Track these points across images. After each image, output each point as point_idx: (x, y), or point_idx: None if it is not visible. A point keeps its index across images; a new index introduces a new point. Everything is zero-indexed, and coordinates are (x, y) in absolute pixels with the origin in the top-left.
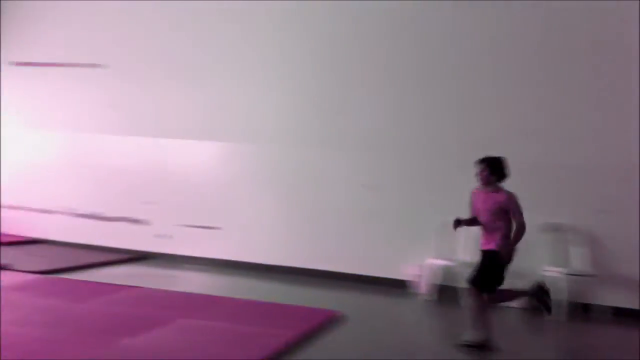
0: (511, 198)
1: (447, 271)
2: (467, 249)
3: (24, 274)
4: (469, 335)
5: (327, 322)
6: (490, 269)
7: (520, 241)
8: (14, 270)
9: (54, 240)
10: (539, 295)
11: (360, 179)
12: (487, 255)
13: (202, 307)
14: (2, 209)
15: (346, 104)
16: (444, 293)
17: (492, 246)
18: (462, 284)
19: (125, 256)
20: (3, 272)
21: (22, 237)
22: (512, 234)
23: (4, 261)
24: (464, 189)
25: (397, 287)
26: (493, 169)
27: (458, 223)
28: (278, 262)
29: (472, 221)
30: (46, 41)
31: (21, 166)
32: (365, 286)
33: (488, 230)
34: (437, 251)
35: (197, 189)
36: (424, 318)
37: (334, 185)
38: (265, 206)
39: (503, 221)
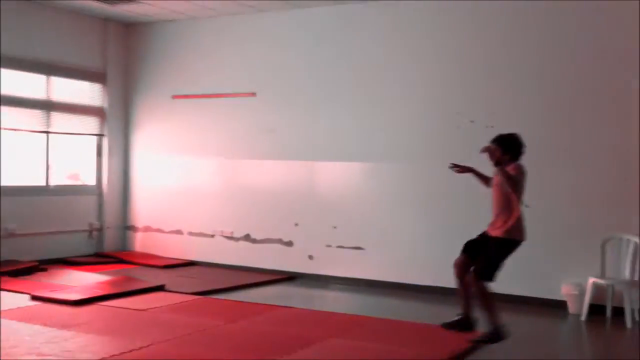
0: (516, 167)
1: (607, 290)
2: (632, 266)
3: (180, 295)
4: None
5: (478, 342)
6: (494, 256)
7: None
8: (170, 291)
9: (206, 262)
10: (493, 338)
11: None
12: (492, 242)
13: (352, 326)
14: (160, 233)
15: (493, 116)
16: (603, 313)
17: (497, 233)
18: (626, 304)
19: (274, 277)
20: (160, 294)
21: (177, 259)
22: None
23: (160, 282)
24: (628, 203)
25: (551, 307)
26: (506, 148)
27: (462, 167)
28: (422, 281)
29: (482, 177)
30: (201, 75)
31: (178, 191)
32: (515, 306)
33: (495, 212)
34: (598, 269)
35: (341, 209)
36: (578, 339)
37: (484, 202)
38: (407, 225)
39: (506, 202)
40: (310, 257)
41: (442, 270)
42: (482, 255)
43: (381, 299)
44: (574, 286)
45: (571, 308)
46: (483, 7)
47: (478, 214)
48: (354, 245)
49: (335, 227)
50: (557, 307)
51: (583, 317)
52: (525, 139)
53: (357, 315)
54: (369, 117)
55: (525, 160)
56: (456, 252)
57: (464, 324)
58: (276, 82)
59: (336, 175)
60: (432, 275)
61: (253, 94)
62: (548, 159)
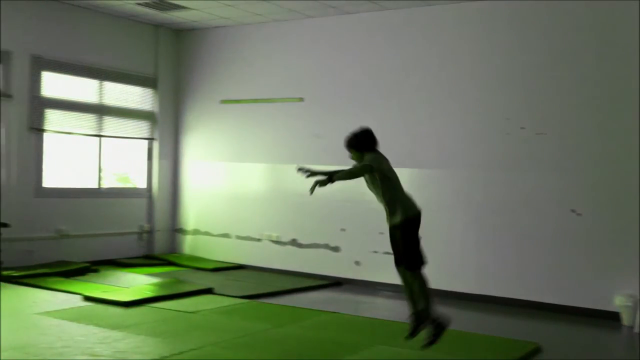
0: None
1: None
2: None
3: (228, 298)
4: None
5: (529, 355)
6: (404, 242)
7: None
8: (218, 294)
9: (253, 266)
10: (438, 330)
11: (570, 203)
12: (394, 232)
13: (399, 334)
14: (208, 236)
15: (543, 123)
16: None
17: (393, 222)
18: None
19: (321, 282)
20: (209, 296)
21: (225, 262)
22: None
23: (209, 285)
24: None
25: (604, 318)
26: (357, 146)
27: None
28: (471, 290)
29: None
30: (249, 80)
31: (226, 195)
32: (567, 317)
33: (383, 206)
34: None
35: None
36: (632, 352)
37: (538, 210)
38: (455, 232)
39: (382, 188)
40: (357, 262)
41: (493, 280)
42: (397, 249)
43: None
44: (628, 297)
45: (625, 320)
46: (537, 10)
47: (542, 224)
48: None
49: (382, 233)
50: (610, 318)
51: (636, 329)
52: (578, 145)
53: (404, 323)
54: (417, 123)
55: (577, 166)
56: (507, 261)
57: (419, 319)
58: (324, 87)
59: None
60: (483, 284)
61: (301, 99)
62: (600, 165)
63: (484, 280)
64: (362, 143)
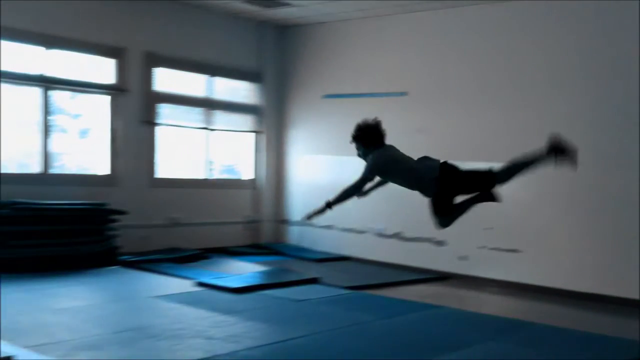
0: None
1: None
2: None
3: (334, 288)
4: None
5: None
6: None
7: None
8: (324, 284)
9: (356, 258)
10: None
11: None
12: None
13: (508, 330)
14: (312, 227)
15: None
16: None
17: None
18: None
19: (425, 275)
20: (314, 286)
21: (329, 253)
22: None
23: (314, 275)
24: None
25: None
26: (365, 142)
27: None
28: (583, 288)
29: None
30: (352, 74)
31: (329, 187)
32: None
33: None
34: None
35: (496, 210)
36: None
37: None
38: (568, 228)
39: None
40: (463, 257)
41: (608, 278)
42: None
43: (537, 304)
44: None
45: None
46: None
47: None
48: (509, 247)
49: (489, 228)
50: None
51: None
52: None
53: (513, 319)
54: (524, 117)
55: None
56: (626, 259)
57: None
58: (428, 81)
59: None
60: (595, 282)
61: (404, 93)
62: None
63: (597, 279)
64: (367, 138)
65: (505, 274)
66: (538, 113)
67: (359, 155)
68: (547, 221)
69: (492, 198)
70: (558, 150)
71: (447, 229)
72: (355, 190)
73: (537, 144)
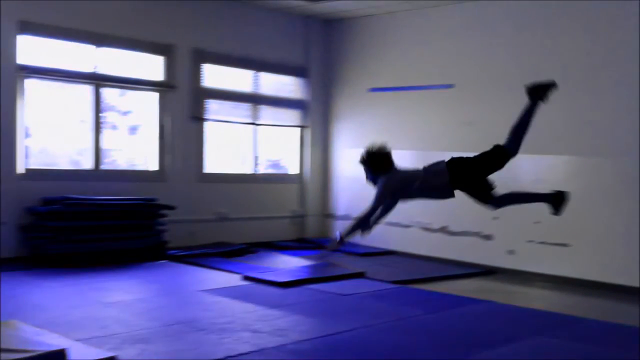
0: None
1: None
2: None
3: (380, 282)
4: None
5: None
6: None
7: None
8: (370, 278)
9: (402, 252)
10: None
11: None
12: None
13: (557, 325)
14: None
15: None
16: None
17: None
18: None
19: (472, 270)
20: (360, 280)
21: (375, 247)
22: None
23: (361, 269)
24: None
25: None
26: (373, 168)
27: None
28: (633, 282)
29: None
30: (398, 67)
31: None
32: None
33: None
34: None
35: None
36: None
37: None
38: (621, 223)
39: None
40: (510, 251)
41: None
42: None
43: (587, 299)
44: None
45: None
46: None
47: None
48: (558, 242)
49: (537, 222)
50: None
51: None
52: None
53: (562, 314)
54: (578, 109)
55: None
56: None
57: None
58: (475, 73)
59: (540, 169)
60: None
61: (451, 85)
62: None
63: None
64: (376, 163)
65: (554, 269)
66: (591, 103)
67: (367, 179)
68: (597, 214)
69: (557, 203)
70: (537, 92)
71: (496, 222)
72: (367, 218)
73: (593, 137)
